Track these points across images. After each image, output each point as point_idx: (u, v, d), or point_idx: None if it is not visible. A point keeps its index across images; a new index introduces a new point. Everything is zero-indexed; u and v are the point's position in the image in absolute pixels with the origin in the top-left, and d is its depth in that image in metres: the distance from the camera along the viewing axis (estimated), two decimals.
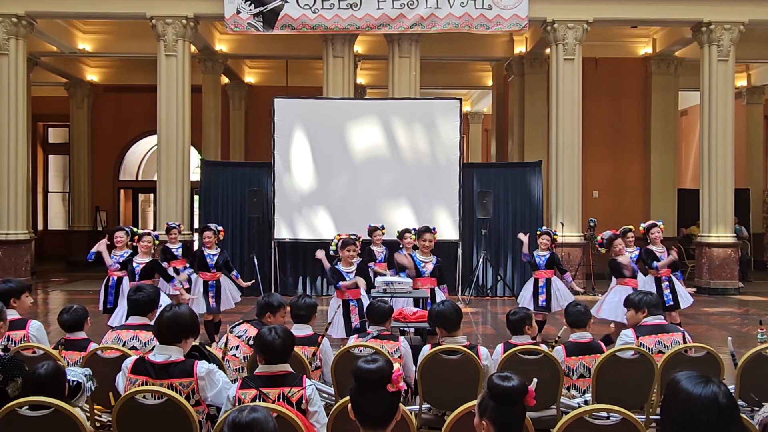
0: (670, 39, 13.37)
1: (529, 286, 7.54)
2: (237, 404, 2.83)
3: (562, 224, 11.28)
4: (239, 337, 4.11)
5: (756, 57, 13.90)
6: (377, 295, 5.91)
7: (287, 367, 2.97)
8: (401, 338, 4.33)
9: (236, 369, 3.99)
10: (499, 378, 2.08)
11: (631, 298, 4.44)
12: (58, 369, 3.01)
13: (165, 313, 3.11)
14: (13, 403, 2.78)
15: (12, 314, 4.07)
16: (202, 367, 2.99)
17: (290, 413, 2.68)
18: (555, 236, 7.70)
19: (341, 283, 6.15)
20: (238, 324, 4.23)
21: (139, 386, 2.94)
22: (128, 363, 3.07)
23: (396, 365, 2.19)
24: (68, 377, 3.06)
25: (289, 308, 4.23)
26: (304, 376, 3.01)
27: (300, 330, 4.19)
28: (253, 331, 4.08)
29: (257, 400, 2.82)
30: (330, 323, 5.11)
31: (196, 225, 12.71)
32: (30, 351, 3.87)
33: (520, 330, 4.14)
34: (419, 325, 5.47)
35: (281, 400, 2.84)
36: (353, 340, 4.30)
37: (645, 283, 7.04)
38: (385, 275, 7.04)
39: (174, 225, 8.90)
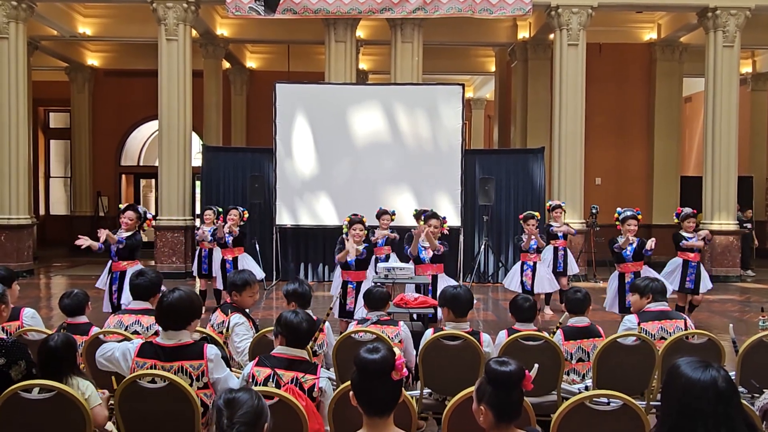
0: (675, 24, 13.25)
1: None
2: (251, 380, 2.86)
3: (564, 211, 11.25)
4: (212, 325, 4.10)
5: (762, 43, 13.77)
6: (378, 281, 5.92)
7: (304, 354, 2.99)
8: (401, 323, 4.34)
9: None
10: (496, 363, 2.09)
11: (637, 283, 4.43)
12: (69, 338, 3.10)
13: (163, 300, 3.05)
14: (16, 385, 2.79)
15: None
16: (211, 349, 2.99)
17: (294, 400, 2.68)
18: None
19: (338, 256, 6.34)
20: (213, 311, 4.19)
21: (147, 369, 2.92)
22: (132, 348, 3.00)
23: (398, 351, 2.18)
24: None
25: (257, 287, 4.20)
26: (320, 366, 3.02)
27: None
28: (219, 317, 4.10)
29: (271, 380, 2.84)
30: (331, 308, 5.11)
31: (197, 211, 12.71)
32: (25, 334, 3.86)
33: (530, 317, 4.13)
34: (420, 311, 5.48)
35: (293, 383, 2.85)
36: (353, 326, 4.30)
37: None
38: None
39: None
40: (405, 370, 2.14)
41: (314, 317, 4.20)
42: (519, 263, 8.19)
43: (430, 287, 6.24)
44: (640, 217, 7.01)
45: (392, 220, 8.47)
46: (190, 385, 2.85)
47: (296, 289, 4.17)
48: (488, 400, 2.04)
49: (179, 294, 3.07)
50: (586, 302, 4.19)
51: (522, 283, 7.96)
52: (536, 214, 8.24)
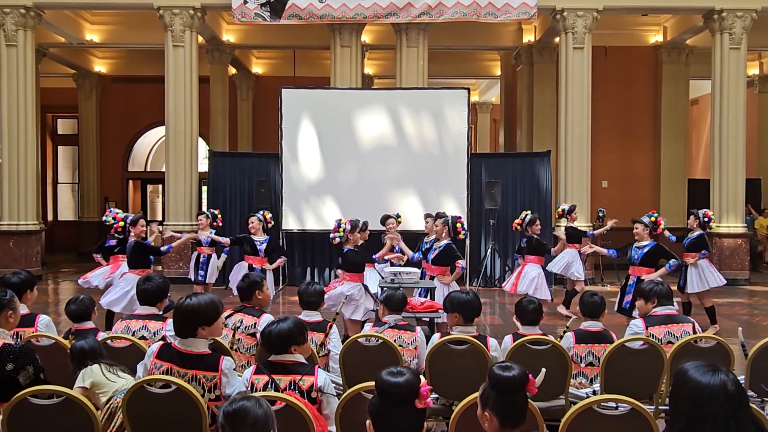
0: (681, 27, 13.21)
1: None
2: (250, 388, 2.86)
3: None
4: (236, 329, 4.10)
5: None
6: (384, 285, 5.91)
7: (300, 357, 2.98)
8: (418, 328, 4.28)
9: (242, 365, 3.99)
10: (499, 368, 2.06)
11: (642, 287, 4.39)
12: (96, 340, 3.54)
13: (178, 306, 3.00)
14: (25, 391, 2.80)
15: (22, 308, 3.82)
16: (227, 362, 2.94)
17: (299, 402, 2.68)
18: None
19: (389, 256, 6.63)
20: (228, 316, 4.14)
21: (163, 372, 2.92)
22: (154, 348, 3.02)
23: (423, 379, 2.05)
24: None
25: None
26: (317, 366, 3.01)
27: (309, 316, 4.22)
28: (249, 320, 4.10)
29: (269, 386, 2.84)
30: (338, 313, 5.09)
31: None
32: (36, 340, 3.87)
33: (534, 320, 4.11)
34: (427, 315, 5.48)
35: (292, 387, 2.85)
36: (369, 329, 4.27)
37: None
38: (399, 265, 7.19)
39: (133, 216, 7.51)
40: (430, 399, 2.00)
41: (321, 318, 4.24)
42: (537, 271, 7.71)
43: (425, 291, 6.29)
44: (653, 219, 7.00)
45: (399, 223, 8.35)
46: (202, 395, 2.84)
47: (305, 290, 4.29)
48: (492, 405, 2.02)
49: (195, 301, 2.99)
50: (603, 306, 4.16)
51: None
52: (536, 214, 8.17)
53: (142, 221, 6.98)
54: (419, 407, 1.97)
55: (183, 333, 2.96)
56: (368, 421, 2.02)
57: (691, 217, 7.79)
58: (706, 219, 7.74)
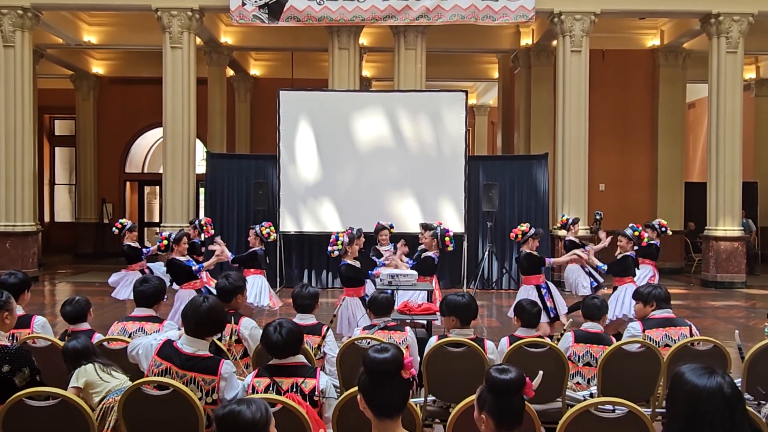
0: (678, 31, 13.25)
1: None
2: (251, 392, 2.86)
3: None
4: (218, 338, 4.03)
5: (765, 49, 13.75)
6: (381, 287, 5.91)
7: (301, 359, 2.97)
8: (407, 328, 4.33)
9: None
10: (496, 371, 2.06)
11: (640, 290, 4.41)
12: (88, 339, 3.56)
13: (197, 305, 2.98)
14: (21, 393, 2.79)
15: (17, 310, 3.76)
16: (227, 367, 2.93)
17: (296, 405, 2.68)
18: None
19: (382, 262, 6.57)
20: None
21: (161, 371, 2.92)
22: (155, 345, 3.02)
23: (404, 351, 2.17)
24: None
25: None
26: (319, 369, 3.01)
27: (303, 319, 4.21)
28: (227, 327, 4.03)
29: (271, 388, 2.84)
30: (335, 316, 5.09)
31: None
32: (32, 341, 3.86)
33: (534, 323, 4.12)
34: (425, 318, 5.47)
35: (294, 389, 2.85)
36: (359, 332, 4.29)
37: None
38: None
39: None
40: (414, 369, 2.12)
41: (316, 321, 4.23)
42: (530, 292, 6.72)
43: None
44: (636, 233, 7.00)
45: (391, 233, 8.03)
46: (200, 399, 2.84)
47: (299, 292, 4.23)
48: (489, 408, 2.02)
49: (211, 303, 3.01)
50: (603, 309, 4.21)
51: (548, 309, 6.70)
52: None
53: (185, 239, 6.76)
54: (405, 377, 2.09)
55: (196, 333, 2.98)
56: (359, 396, 2.12)
57: (648, 230, 7.82)
58: (663, 229, 7.97)
